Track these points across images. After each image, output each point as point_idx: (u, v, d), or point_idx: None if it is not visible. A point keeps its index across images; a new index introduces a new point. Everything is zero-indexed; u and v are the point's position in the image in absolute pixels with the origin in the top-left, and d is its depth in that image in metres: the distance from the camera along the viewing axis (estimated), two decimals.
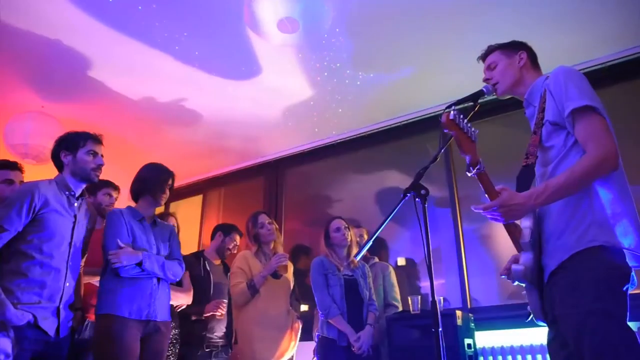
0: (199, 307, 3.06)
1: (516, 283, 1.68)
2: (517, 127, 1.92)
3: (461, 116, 1.49)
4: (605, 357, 1.34)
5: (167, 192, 2.55)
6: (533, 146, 1.63)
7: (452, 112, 1.48)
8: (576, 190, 1.48)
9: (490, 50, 1.87)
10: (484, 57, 1.89)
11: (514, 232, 1.61)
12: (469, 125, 1.50)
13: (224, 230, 3.39)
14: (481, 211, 1.51)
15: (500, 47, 1.86)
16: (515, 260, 1.67)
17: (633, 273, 1.47)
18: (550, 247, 1.55)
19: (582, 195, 1.50)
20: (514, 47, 1.84)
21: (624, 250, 1.45)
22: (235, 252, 3.35)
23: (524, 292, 1.66)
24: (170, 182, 2.56)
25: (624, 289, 1.43)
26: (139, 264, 2.27)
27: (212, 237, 3.44)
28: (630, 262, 1.47)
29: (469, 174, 1.51)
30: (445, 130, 1.50)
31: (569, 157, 1.56)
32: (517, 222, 1.62)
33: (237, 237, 3.39)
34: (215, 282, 3.23)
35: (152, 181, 2.50)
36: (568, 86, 1.56)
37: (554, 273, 1.53)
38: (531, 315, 1.67)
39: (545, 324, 1.62)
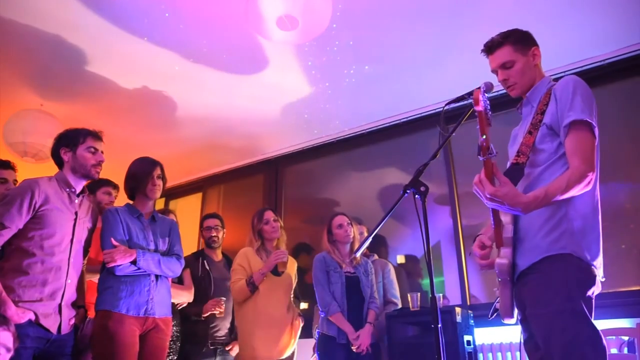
0: (198, 307, 3.07)
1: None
2: (514, 125, 1.90)
3: (486, 95, 1.46)
4: (574, 354, 1.40)
5: (159, 183, 2.48)
6: (526, 146, 1.64)
7: (482, 88, 1.46)
8: (562, 199, 1.51)
9: (500, 43, 1.74)
10: (491, 50, 1.76)
11: (499, 225, 1.62)
12: (489, 106, 1.47)
13: (200, 224, 3.51)
14: (485, 195, 1.47)
15: (511, 40, 1.73)
16: (481, 246, 1.69)
17: (598, 279, 1.53)
18: (524, 247, 1.59)
19: (560, 203, 1.53)
20: (526, 42, 1.74)
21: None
22: (216, 235, 3.38)
23: (496, 289, 1.68)
24: (158, 172, 2.49)
25: (591, 293, 1.49)
26: (134, 262, 2.27)
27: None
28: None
29: (481, 158, 1.47)
30: (475, 107, 1.45)
31: (557, 165, 1.59)
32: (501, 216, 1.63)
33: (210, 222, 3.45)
34: (217, 279, 3.23)
35: (139, 176, 2.46)
36: (575, 97, 1.57)
37: (524, 273, 1.58)
38: (496, 313, 1.70)
39: (511, 322, 1.66)
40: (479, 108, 1.43)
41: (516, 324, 1.68)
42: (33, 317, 1.99)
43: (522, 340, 1.67)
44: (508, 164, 1.68)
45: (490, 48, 1.77)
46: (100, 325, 2.20)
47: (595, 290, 1.52)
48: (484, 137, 1.44)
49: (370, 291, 3.06)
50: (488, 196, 1.46)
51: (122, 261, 2.23)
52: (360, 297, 3.01)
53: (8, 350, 1.75)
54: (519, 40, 1.74)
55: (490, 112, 1.47)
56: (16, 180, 2.71)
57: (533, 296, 1.54)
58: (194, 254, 3.40)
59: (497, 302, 1.69)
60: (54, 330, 2.05)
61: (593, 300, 1.50)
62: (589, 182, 1.49)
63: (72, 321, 2.18)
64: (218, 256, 3.41)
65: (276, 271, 2.99)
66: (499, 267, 1.60)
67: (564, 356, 1.41)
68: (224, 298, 3.10)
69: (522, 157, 1.63)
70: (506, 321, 1.66)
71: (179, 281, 3.00)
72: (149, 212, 2.52)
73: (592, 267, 1.51)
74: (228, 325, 3.20)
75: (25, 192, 2.08)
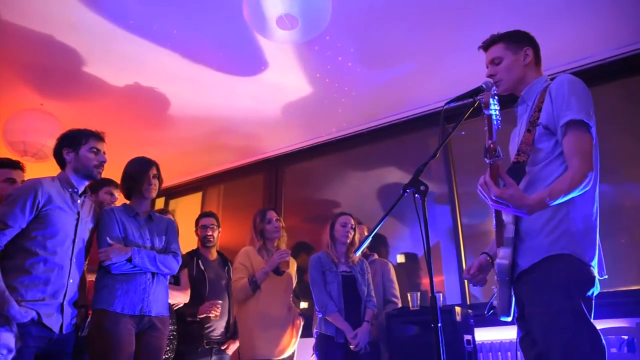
0: (193, 308, 3.06)
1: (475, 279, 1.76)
2: (515, 124, 1.91)
3: (496, 99, 1.46)
4: (574, 353, 1.41)
5: (155, 182, 2.51)
6: (526, 144, 1.65)
7: (492, 92, 1.46)
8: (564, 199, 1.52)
9: (494, 40, 1.82)
10: (486, 47, 1.85)
11: (501, 225, 1.63)
12: (498, 111, 1.46)
13: (196, 222, 3.48)
14: (491, 197, 1.48)
15: (505, 39, 1.80)
16: (468, 270, 1.76)
17: (597, 280, 1.55)
18: (524, 247, 1.60)
19: (561, 204, 1.53)
20: (520, 41, 1.80)
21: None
22: (211, 234, 3.38)
23: (494, 287, 1.69)
24: (154, 171, 2.52)
25: (590, 293, 1.51)
26: (129, 260, 2.28)
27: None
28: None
29: (487, 161, 1.47)
30: (484, 111, 1.46)
31: (555, 163, 1.61)
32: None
33: (206, 220, 3.44)
34: (211, 279, 3.22)
35: (136, 176, 2.48)
36: (571, 96, 1.58)
37: (525, 272, 1.59)
38: (492, 310, 1.71)
39: (507, 320, 1.68)
40: (488, 113, 1.44)
41: (512, 322, 1.69)
42: (36, 317, 2.00)
43: (517, 339, 1.69)
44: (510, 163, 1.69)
45: (486, 45, 1.85)
46: (96, 324, 2.22)
47: (594, 291, 1.53)
48: (492, 140, 1.44)
49: (367, 290, 3.06)
50: (493, 198, 1.47)
51: (117, 259, 2.25)
52: (357, 296, 3.01)
53: (10, 350, 1.76)
54: (512, 39, 1.80)
55: (499, 116, 1.46)
56: (24, 181, 2.71)
57: (533, 295, 1.55)
58: (189, 253, 3.39)
59: (494, 300, 1.70)
60: (56, 329, 2.06)
61: (593, 301, 1.52)
62: (589, 182, 1.51)
63: (74, 321, 2.19)
64: (213, 255, 3.40)
65: (278, 270, 3.00)
66: (499, 268, 1.61)
67: (564, 355, 1.43)
68: (220, 301, 3.10)
69: (522, 156, 1.64)
70: (503, 319, 1.68)
71: (175, 281, 2.99)
72: (146, 211, 2.53)
73: (591, 267, 1.53)
74: (224, 324, 3.19)
75: (28, 191, 2.09)
